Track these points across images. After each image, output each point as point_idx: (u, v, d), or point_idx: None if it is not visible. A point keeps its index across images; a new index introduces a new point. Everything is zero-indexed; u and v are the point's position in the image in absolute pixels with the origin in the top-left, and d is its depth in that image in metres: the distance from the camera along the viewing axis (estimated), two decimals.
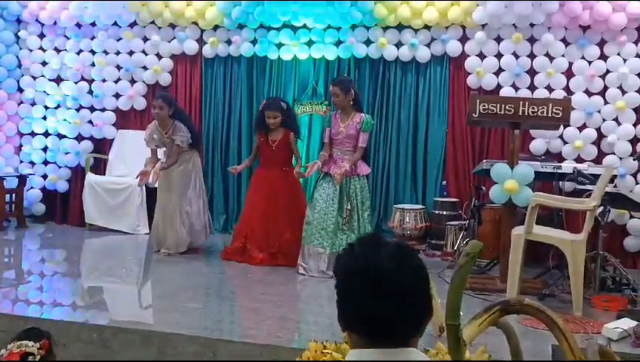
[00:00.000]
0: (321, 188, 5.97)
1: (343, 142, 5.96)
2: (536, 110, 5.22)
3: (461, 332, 2.16)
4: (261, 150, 6.44)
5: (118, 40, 8.07)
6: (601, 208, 5.21)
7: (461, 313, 2.14)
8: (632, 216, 6.55)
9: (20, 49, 8.32)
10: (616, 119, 6.74)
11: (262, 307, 4.83)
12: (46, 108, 8.28)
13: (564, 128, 6.67)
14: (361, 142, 5.94)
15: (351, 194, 5.88)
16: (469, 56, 7.16)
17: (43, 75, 8.27)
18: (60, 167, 8.27)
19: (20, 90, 8.33)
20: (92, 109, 8.21)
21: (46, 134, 8.31)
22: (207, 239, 6.82)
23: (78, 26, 8.14)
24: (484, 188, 6.39)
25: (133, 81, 8.09)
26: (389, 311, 1.58)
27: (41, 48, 8.27)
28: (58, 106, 8.26)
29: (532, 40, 6.99)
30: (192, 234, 6.57)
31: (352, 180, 5.90)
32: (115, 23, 8.02)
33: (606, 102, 6.77)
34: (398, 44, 7.34)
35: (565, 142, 6.86)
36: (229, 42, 7.75)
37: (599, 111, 6.77)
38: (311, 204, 6.02)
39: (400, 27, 7.32)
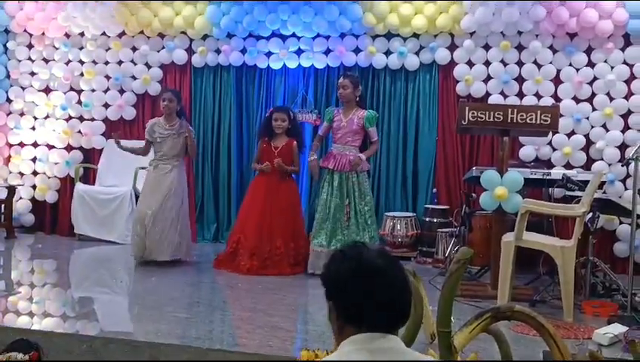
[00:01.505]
0: (322, 188, 6.09)
1: (344, 137, 6.07)
2: (524, 117, 5.25)
3: (452, 339, 2.16)
4: (263, 156, 6.44)
5: (106, 50, 8.05)
6: (591, 214, 5.23)
7: (453, 320, 2.14)
8: (621, 222, 6.59)
9: (9, 60, 8.29)
10: (604, 126, 6.78)
11: (253, 316, 4.82)
12: (35, 118, 8.26)
13: (553, 135, 6.70)
14: (373, 137, 6.12)
15: (350, 189, 5.94)
16: (457, 63, 7.20)
17: (32, 86, 8.24)
18: (49, 178, 8.23)
19: (9, 100, 8.29)
20: (81, 119, 8.18)
21: (35, 145, 8.28)
22: (178, 255, 6.48)
23: (67, 36, 8.13)
24: (474, 195, 6.41)
25: (122, 91, 8.07)
26: (388, 301, 1.81)
27: (29, 59, 8.25)
28: (47, 117, 8.23)
29: (520, 47, 7.03)
30: (159, 241, 6.34)
31: (351, 175, 5.97)
32: (104, 33, 8.00)
33: (594, 109, 6.81)
34: (387, 53, 7.37)
35: (554, 149, 6.90)
36: (218, 51, 7.75)
37: (587, 118, 6.82)
38: (316, 205, 6.15)
39: (389, 35, 7.35)
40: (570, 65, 6.89)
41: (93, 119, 8.15)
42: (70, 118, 8.19)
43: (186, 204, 6.61)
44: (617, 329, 4.26)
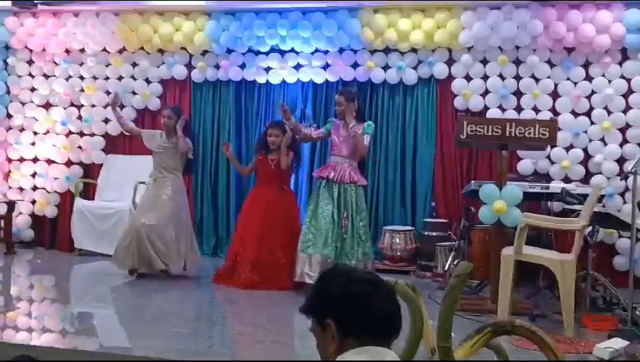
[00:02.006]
0: (322, 197, 6.04)
1: (341, 149, 6.08)
2: (523, 131, 5.27)
3: (453, 354, 2.16)
4: (260, 169, 6.48)
5: (107, 65, 8.08)
6: (590, 228, 5.24)
7: (453, 334, 2.15)
8: (620, 236, 6.59)
9: (9, 75, 8.31)
10: (602, 139, 6.80)
11: (253, 331, 4.81)
12: (35, 134, 8.26)
13: (552, 148, 6.71)
14: (365, 140, 6.05)
15: (347, 201, 5.95)
16: (455, 78, 7.22)
17: (32, 101, 8.25)
18: (49, 193, 8.23)
19: (9, 116, 8.30)
20: (81, 135, 8.20)
21: (35, 160, 8.28)
22: (186, 267, 6.58)
23: (67, 52, 8.15)
24: (473, 208, 6.42)
25: (122, 106, 8.07)
26: (386, 312, 1.86)
27: (30, 75, 8.27)
28: (47, 132, 8.24)
29: (518, 62, 7.06)
30: (167, 256, 6.40)
31: (349, 188, 5.99)
32: (104, 49, 8.03)
33: (592, 123, 6.83)
34: (386, 67, 7.40)
35: (553, 163, 6.91)
36: (217, 67, 7.78)
37: (585, 132, 6.84)
38: (312, 213, 6.07)
39: (387, 50, 7.38)
40: (568, 79, 6.92)
41: (93, 134, 8.16)
42: (70, 133, 8.20)
43: (186, 218, 6.62)
44: (618, 343, 4.26)
